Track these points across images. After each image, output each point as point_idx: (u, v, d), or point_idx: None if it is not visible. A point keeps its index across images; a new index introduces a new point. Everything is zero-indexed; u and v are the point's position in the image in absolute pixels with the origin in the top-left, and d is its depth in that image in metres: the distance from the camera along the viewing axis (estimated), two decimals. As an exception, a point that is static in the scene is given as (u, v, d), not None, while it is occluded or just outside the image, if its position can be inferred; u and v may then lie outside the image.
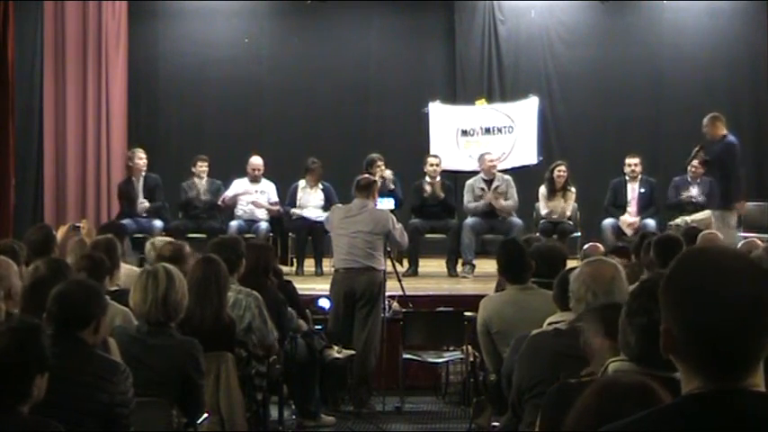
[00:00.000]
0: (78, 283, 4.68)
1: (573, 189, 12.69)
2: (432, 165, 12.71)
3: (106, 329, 4.72)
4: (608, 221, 12.45)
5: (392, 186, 12.30)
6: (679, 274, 2.00)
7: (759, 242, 8.59)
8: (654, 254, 6.75)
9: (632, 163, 12.62)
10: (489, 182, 12.56)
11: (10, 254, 6.72)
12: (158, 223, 12.37)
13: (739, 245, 8.97)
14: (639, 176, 12.61)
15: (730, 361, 1.93)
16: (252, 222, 12.54)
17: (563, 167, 12.69)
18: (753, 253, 5.82)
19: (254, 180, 12.75)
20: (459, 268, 12.41)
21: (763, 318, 1.93)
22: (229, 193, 12.64)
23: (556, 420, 3.45)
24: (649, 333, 3.14)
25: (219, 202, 12.60)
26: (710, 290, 1.93)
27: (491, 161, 12.61)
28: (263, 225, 12.49)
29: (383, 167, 12.45)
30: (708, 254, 2.05)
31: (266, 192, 12.77)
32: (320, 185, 12.67)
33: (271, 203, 12.70)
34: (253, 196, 12.68)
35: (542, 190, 12.73)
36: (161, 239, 7.91)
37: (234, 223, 12.48)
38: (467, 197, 12.62)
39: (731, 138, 11.34)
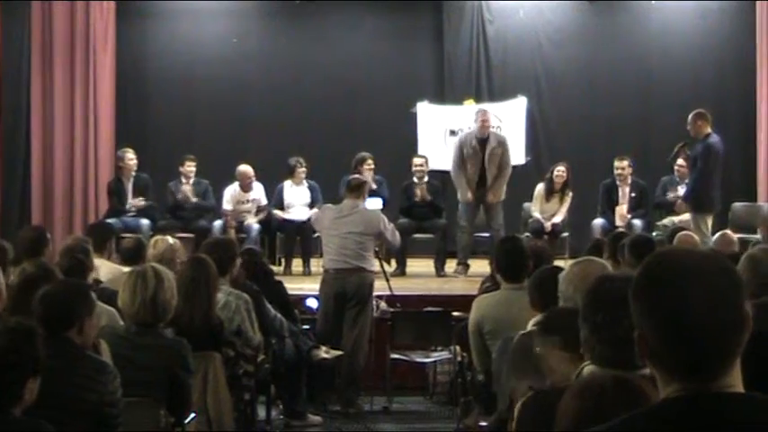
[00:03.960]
0: (63, 283, 4.68)
1: (570, 194, 12.66)
2: (416, 165, 12.70)
3: (94, 330, 4.71)
4: (598, 221, 12.44)
5: (374, 186, 12.28)
6: (646, 278, 1.99)
7: (732, 236, 8.58)
8: (629, 255, 6.72)
9: (621, 166, 12.60)
10: (483, 141, 12.15)
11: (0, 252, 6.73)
12: (146, 222, 12.34)
13: (712, 241, 8.90)
14: (630, 179, 12.61)
15: (704, 362, 1.93)
16: (241, 223, 12.54)
17: (561, 168, 12.68)
18: (749, 251, 5.77)
19: (245, 188, 12.72)
20: (449, 268, 12.41)
21: (732, 316, 1.93)
22: (227, 206, 12.60)
23: (532, 427, 3.46)
24: (620, 341, 3.13)
25: (223, 221, 12.54)
26: (678, 291, 1.93)
27: (487, 120, 12.21)
28: (255, 226, 12.49)
29: (372, 166, 12.46)
30: (674, 255, 2.05)
31: (257, 198, 12.75)
32: (306, 184, 12.67)
33: (260, 208, 12.71)
34: (245, 206, 12.66)
35: (540, 188, 12.71)
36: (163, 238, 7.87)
37: (218, 222, 12.49)
38: (454, 155, 12.21)
39: (712, 138, 11.04)
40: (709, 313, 1.91)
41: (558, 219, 12.55)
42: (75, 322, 4.38)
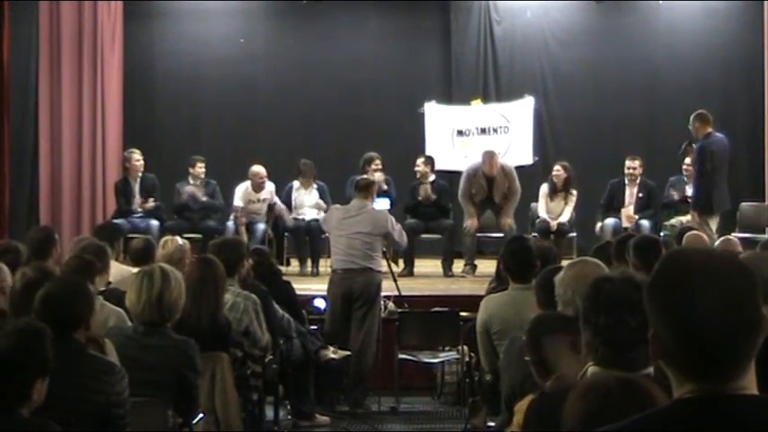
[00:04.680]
0: (63, 282, 4.63)
1: (574, 192, 12.62)
2: (417, 167, 12.69)
3: (98, 326, 4.70)
4: (609, 222, 12.38)
5: (385, 187, 12.29)
6: (662, 278, 1.99)
7: (736, 240, 8.46)
8: (633, 257, 6.68)
9: (633, 165, 12.55)
10: (490, 179, 12.37)
11: (13, 253, 6.74)
12: (155, 222, 12.36)
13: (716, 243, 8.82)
14: (639, 179, 12.58)
15: (718, 363, 1.92)
16: (250, 224, 12.54)
17: (558, 167, 12.66)
18: (745, 254, 5.73)
19: (258, 188, 12.72)
20: (456, 268, 12.40)
21: (747, 317, 1.92)
22: (238, 203, 12.58)
23: (538, 427, 3.46)
24: (623, 343, 3.14)
25: (233, 220, 12.54)
26: (693, 292, 1.92)
27: (495, 162, 12.31)
28: (261, 226, 12.49)
29: (380, 166, 12.47)
30: (689, 256, 2.04)
31: (267, 198, 12.74)
32: (314, 185, 12.67)
33: (271, 206, 12.73)
34: (255, 205, 12.66)
35: (544, 188, 12.70)
36: (173, 239, 7.87)
37: (230, 223, 12.50)
38: (463, 186, 12.41)
39: (710, 138, 10.95)
40: (721, 314, 1.90)
41: (564, 218, 12.50)
42: (81, 322, 4.36)
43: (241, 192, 12.63)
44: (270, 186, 12.76)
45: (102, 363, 4.37)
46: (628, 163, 12.62)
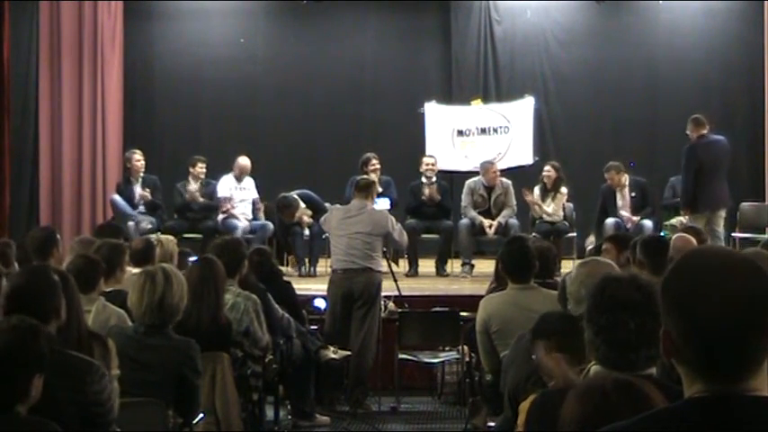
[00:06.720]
0: (27, 274, 4.40)
1: (564, 191, 12.59)
2: (427, 164, 12.69)
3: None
4: (610, 220, 12.31)
5: (380, 189, 12.21)
6: (676, 277, 1.99)
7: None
8: (642, 255, 6.68)
9: (608, 177, 12.37)
10: (490, 188, 12.47)
11: (4, 254, 6.75)
12: (131, 224, 12.18)
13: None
14: (627, 181, 12.43)
15: (730, 363, 1.91)
16: (255, 222, 12.61)
17: (548, 167, 12.64)
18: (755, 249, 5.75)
19: (239, 178, 12.77)
20: (454, 268, 12.40)
21: (760, 317, 1.91)
22: (224, 194, 12.61)
23: (539, 427, 3.46)
24: (623, 343, 3.15)
25: (223, 212, 12.56)
26: (706, 291, 1.91)
27: (495, 172, 12.48)
28: (270, 225, 12.52)
29: (377, 166, 12.45)
30: (704, 255, 2.04)
31: (247, 188, 12.79)
32: (301, 204, 12.45)
33: (254, 202, 12.77)
34: (241, 193, 12.70)
35: (536, 191, 12.72)
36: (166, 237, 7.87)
37: (221, 217, 12.57)
38: (465, 199, 12.52)
39: (700, 140, 11.04)
40: (733, 315, 1.90)
41: (551, 211, 12.44)
42: (50, 316, 4.11)
43: (224, 183, 12.68)
44: (249, 180, 12.78)
45: (77, 361, 4.17)
46: (605, 175, 12.44)
